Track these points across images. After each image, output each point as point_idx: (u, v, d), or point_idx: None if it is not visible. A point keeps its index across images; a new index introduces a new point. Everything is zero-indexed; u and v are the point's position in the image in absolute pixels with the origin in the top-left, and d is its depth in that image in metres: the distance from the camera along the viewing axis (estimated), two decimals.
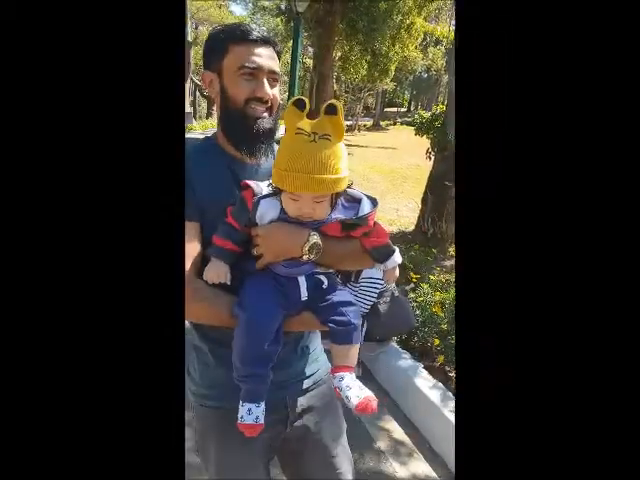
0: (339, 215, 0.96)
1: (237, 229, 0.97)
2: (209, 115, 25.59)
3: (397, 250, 1.04)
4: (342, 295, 1.00)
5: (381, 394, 2.73)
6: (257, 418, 0.95)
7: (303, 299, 0.98)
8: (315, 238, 0.95)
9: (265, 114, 1.03)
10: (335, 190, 0.90)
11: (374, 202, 0.98)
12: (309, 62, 17.17)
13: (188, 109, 20.25)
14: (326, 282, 1.00)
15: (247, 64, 0.98)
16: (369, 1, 10.48)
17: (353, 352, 1.00)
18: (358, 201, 0.97)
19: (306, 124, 0.87)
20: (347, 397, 0.95)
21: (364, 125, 25.19)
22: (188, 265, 0.97)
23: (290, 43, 9.68)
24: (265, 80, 1.00)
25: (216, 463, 1.12)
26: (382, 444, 2.30)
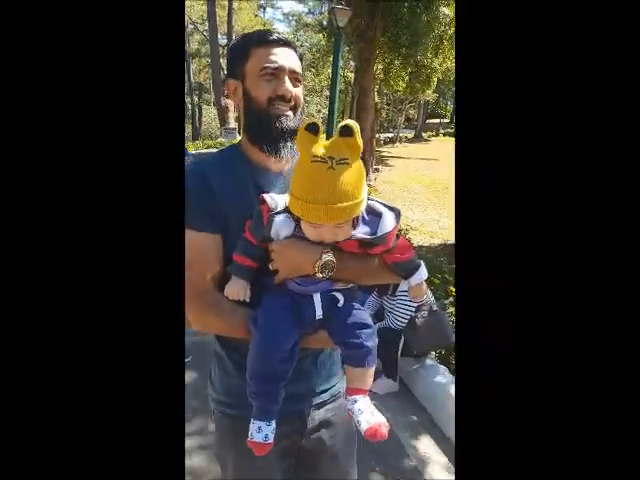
0: (357, 233, 0.92)
1: (254, 245, 0.96)
2: None
3: (422, 265, 1.00)
4: (357, 316, 0.96)
5: (418, 410, 2.69)
6: (266, 437, 0.93)
7: (318, 318, 0.95)
8: (328, 256, 0.92)
9: (289, 112, 1.03)
10: (356, 214, 0.88)
11: (397, 214, 0.94)
12: (350, 76, 17.32)
13: (233, 124, 20.83)
14: (342, 300, 0.97)
15: (268, 64, 1.00)
16: (410, 14, 10.49)
17: (367, 375, 0.96)
18: (379, 215, 0.93)
19: (321, 148, 0.83)
20: (358, 421, 0.93)
21: (406, 137, 25.05)
22: (208, 278, 0.98)
23: (331, 58, 9.81)
24: (287, 78, 1.02)
25: (234, 469, 1.12)
26: (417, 460, 2.25)
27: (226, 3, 21.18)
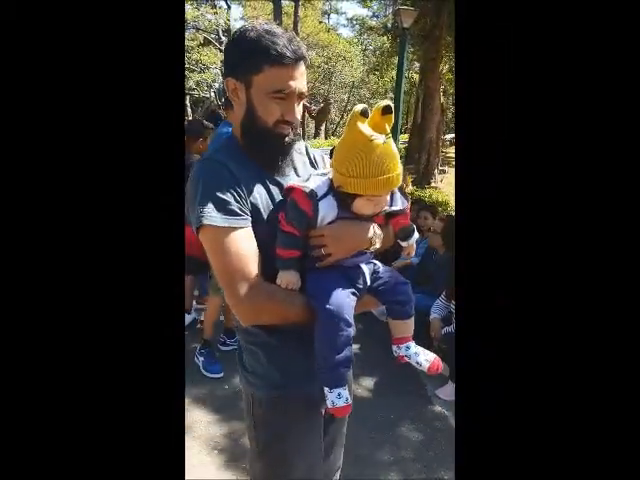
0: (387, 207, 1.07)
1: (298, 236, 1.00)
2: (317, 135, 26.53)
3: (415, 228, 1.17)
4: (396, 276, 1.13)
5: None
6: (347, 399, 1.02)
7: (368, 284, 1.08)
8: (378, 229, 1.06)
9: (291, 132, 1.04)
10: (400, 184, 1.00)
11: (404, 195, 1.13)
12: (415, 77, 17.04)
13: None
14: (380, 266, 1.12)
15: (281, 89, 0.96)
16: None
17: (411, 323, 1.12)
18: (392, 192, 1.07)
19: (370, 128, 0.93)
20: (418, 363, 1.08)
21: None
22: (257, 271, 0.98)
23: (396, 60, 9.71)
24: (295, 104, 1.00)
25: (297, 450, 1.13)
26: None
27: (292, 11, 21.65)
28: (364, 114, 0.92)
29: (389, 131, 0.94)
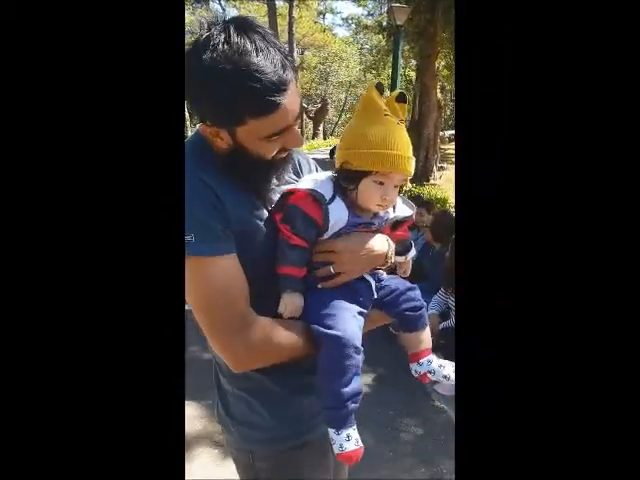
0: (394, 214, 0.98)
1: (306, 248, 0.88)
2: (315, 135, 26.56)
3: (412, 244, 1.09)
4: (402, 283, 0.99)
5: None
6: (357, 441, 0.87)
7: (375, 297, 0.95)
8: (393, 244, 0.96)
9: (285, 154, 0.89)
10: (411, 175, 0.90)
11: (408, 203, 1.01)
12: (412, 74, 17.05)
13: None
14: (382, 273, 0.99)
15: (275, 132, 0.80)
16: None
17: (428, 334, 0.99)
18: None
19: (386, 108, 0.87)
20: (445, 376, 0.94)
21: None
22: (244, 305, 0.83)
23: (392, 57, 9.73)
24: (295, 129, 0.84)
25: None
26: None
27: (286, 12, 21.69)
28: (379, 88, 0.87)
29: (403, 118, 0.89)
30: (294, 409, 0.94)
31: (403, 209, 0.99)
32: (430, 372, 0.96)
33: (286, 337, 0.86)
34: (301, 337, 0.87)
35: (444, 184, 10.56)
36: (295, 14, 21.57)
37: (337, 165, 0.91)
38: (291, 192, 0.89)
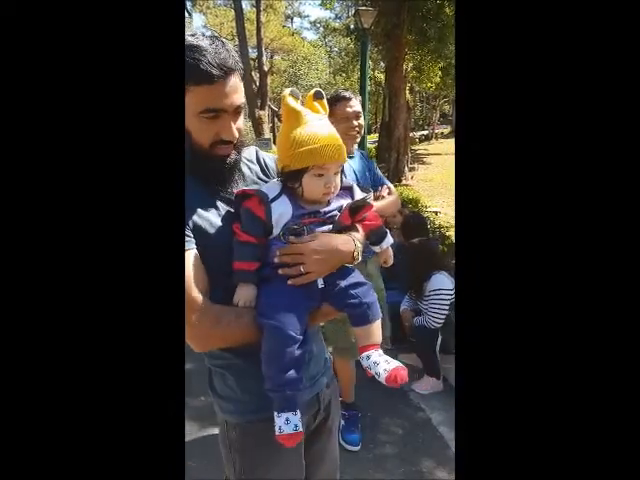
0: (342, 201, 1.02)
1: (255, 244, 0.96)
2: None
3: (388, 232, 1.11)
4: (350, 277, 1.01)
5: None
6: (296, 426, 0.93)
7: (320, 286, 0.99)
8: (359, 241, 1.01)
9: (232, 151, 0.98)
10: (345, 160, 0.99)
11: (365, 188, 1.07)
12: (381, 77, 17.25)
13: (268, 135, 21.16)
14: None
15: (210, 107, 0.91)
16: (437, 7, 10.32)
17: (374, 330, 1.00)
18: (349, 188, 1.05)
19: (303, 107, 0.96)
20: (377, 373, 0.96)
21: (442, 133, 24.62)
22: (198, 294, 0.92)
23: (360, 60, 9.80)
24: (230, 120, 0.94)
25: (277, 475, 1.09)
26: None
27: (254, 17, 21.64)
28: (293, 93, 0.96)
29: (323, 112, 0.99)
30: (261, 385, 0.99)
31: (358, 195, 1.04)
32: (367, 367, 0.99)
33: (235, 323, 0.95)
34: (251, 323, 0.95)
35: (416, 184, 10.70)
36: (263, 18, 21.55)
37: (278, 165, 1.01)
38: (241, 194, 0.99)
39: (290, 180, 0.98)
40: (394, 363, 0.96)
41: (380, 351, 1.00)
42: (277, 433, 0.93)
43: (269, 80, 23.31)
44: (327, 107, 1.00)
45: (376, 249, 1.11)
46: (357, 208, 1.03)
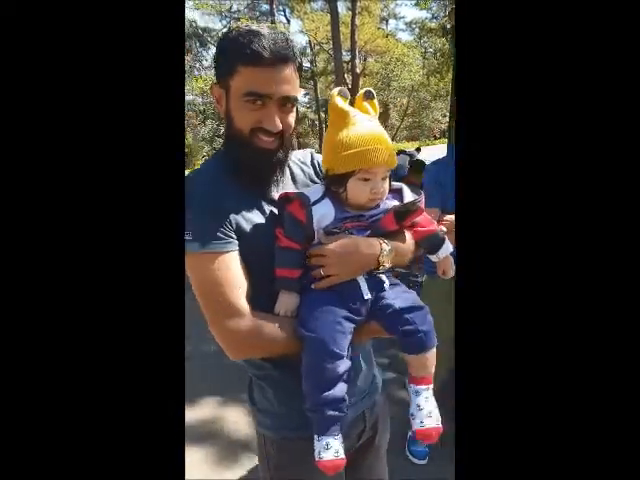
0: (392, 202, 0.95)
1: (298, 250, 0.92)
2: None
3: (447, 240, 1.00)
4: (406, 299, 0.92)
5: None
6: (337, 452, 0.85)
7: (366, 298, 0.91)
8: (388, 245, 0.92)
9: (273, 146, 0.92)
10: (395, 164, 0.92)
11: (416, 190, 0.99)
12: None
13: None
14: (387, 282, 0.94)
15: (254, 90, 0.86)
16: None
17: (429, 360, 0.90)
18: (399, 191, 0.98)
19: (353, 109, 0.91)
20: (412, 415, 0.89)
21: None
22: (236, 297, 0.88)
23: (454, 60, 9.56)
24: (275, 109, 0.88)
25: None
26: None
27: (349, 20, 21.90)
28: (341, 92, 0.91)
29: (373, 113, 0.93)
30: (302, 402, 0.91)
31: (406, 198, 0.97)
32: (411, 403, 0.90)
33: (276, 332, 0.89)
34: (292, 334, 0.89)
35: None
36: (357, 21, 21.73)
37: (322, 169, 0.97)
38: (284, 197, 0.94)
39: (334, 184, 0.92)
40: (435, 419, 0.88)
41: (430, 391, 0.91)
42: (317, 458, 0.86)
43: (361, 82, 23.41)
44: (378, 108, 0.95)
45: (433, 258, 1.02)
46: (404, 212, 0.94)
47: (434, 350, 0.91)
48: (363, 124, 0.90)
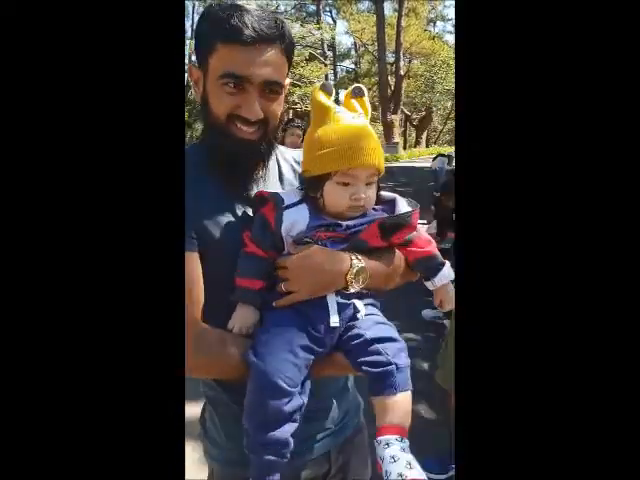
0: (381, 214, 0.81)
1: (264, 258, 0.78)
2: (417, 143, 26.19)
3: (447, 264, 0.85)
4: (381, 329, 0.78)
5: None
6: None
7: (332, 324, 0.76)
8: (360, 263, 0.77)
9: (254, 136, 0.80)
10: (383, 168, 0.81)
11: (412, 203, 0.84)
12: None
13: (397, 139, 21.04)
14: (363, 311, 0.79)
15: (232, 71, 0.75)
16: None
17: (401, 405, 0.73)
18: (391, 202, 0.84)
19: (335, 105, 0.80)
20: (387, 472, 0.68)
21: None
22: (190, 305, 0.74)
23: None
24: (255, 95, 0.77)
25: None
26: None
27: (395, 22, 21.81)
28: (323, 87, 0.80)
29: (362, 111, 0.82)
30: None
31: (401, 209, 0.82)
32: (381, 458, 0.70)
33: (224, 351, 0.76)
34: (234, 358, 0.76)
35: None
36: (403, 23, 21.58)
37: (301, 168, 0.85)
38: (259, 196, 0.82)
39: (310, 188, 0.80)
40: (416, 471, 0.68)
41: (404, 443, 0.71)
42: None
43: (404, 84, 23.25)
44: (369, 107, 0.83)
45: (428, 285, 0.86)
46: (392, 226, 0.80)
47: (408, 397, 0.74)
48: (345, 121, 0.78)
